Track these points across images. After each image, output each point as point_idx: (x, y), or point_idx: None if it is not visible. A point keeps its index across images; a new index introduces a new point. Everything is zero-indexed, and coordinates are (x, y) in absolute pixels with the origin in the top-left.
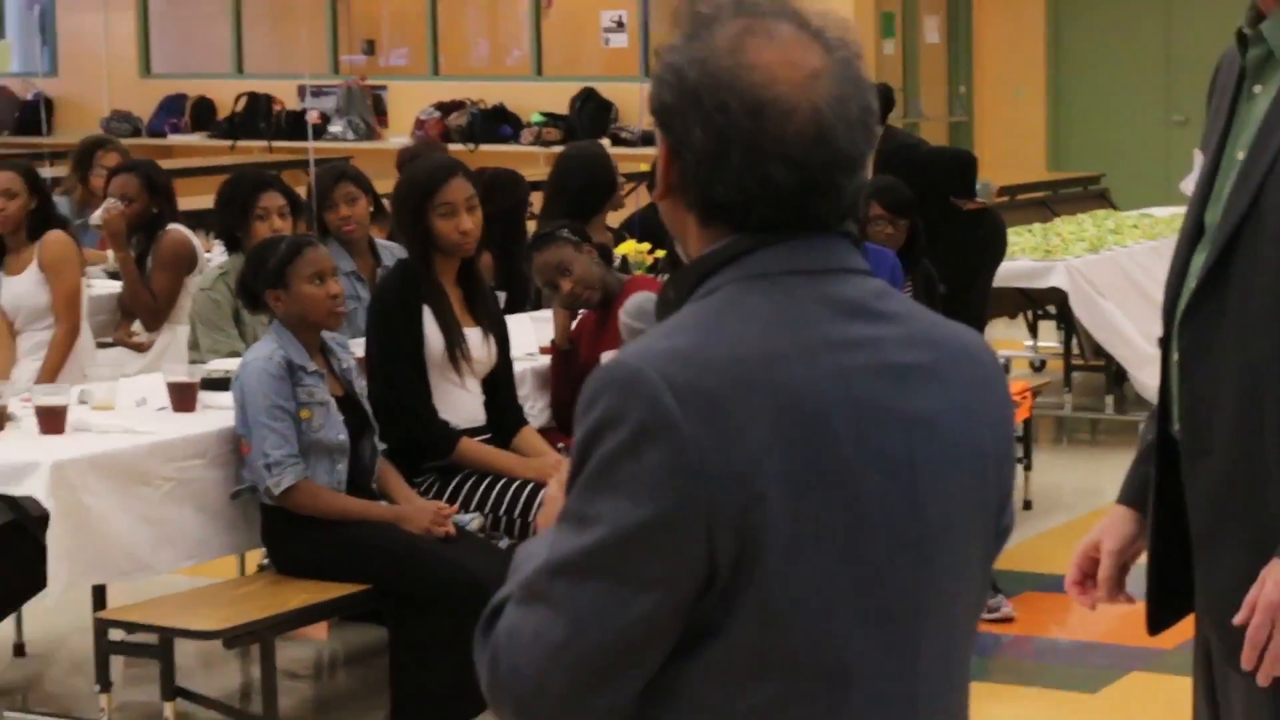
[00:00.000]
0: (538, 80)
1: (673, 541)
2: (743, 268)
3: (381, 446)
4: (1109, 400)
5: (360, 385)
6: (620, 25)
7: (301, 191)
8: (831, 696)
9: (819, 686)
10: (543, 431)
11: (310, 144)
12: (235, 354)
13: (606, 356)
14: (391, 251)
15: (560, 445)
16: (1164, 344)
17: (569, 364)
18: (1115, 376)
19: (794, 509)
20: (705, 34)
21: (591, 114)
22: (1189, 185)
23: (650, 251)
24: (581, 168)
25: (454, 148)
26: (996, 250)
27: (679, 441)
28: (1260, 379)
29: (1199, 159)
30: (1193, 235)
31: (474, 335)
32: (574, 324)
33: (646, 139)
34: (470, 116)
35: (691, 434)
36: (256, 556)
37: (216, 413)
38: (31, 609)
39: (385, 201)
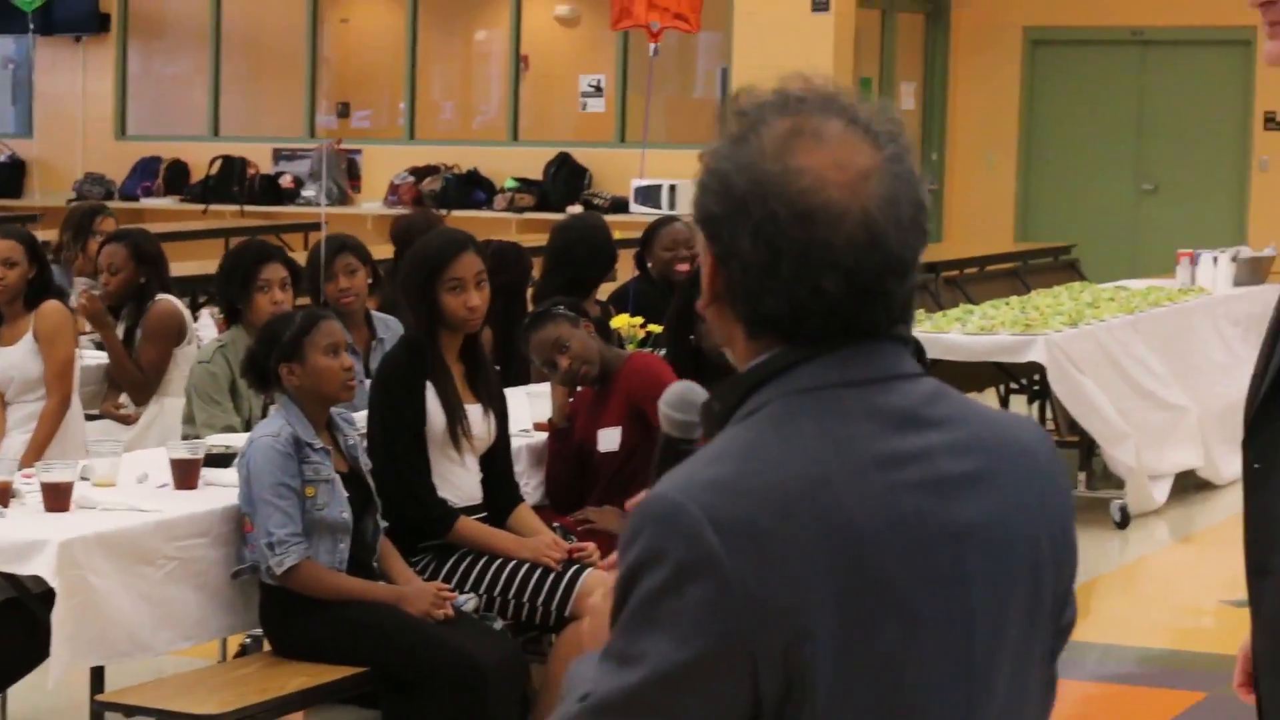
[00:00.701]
0: (512, 145)
1: (716, 680)
2: (790, 382)
3: (383, 524)
4: (1081, 477)
5: (365, 461)
6: (598, 89)
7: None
8: None
9: None
10: (537, 509)
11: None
12: (230, 428)
13: (604, 433)
14: (386, 324)
15: (555, 525)
16: (1243, 449)
17: (565, 441)
18: (1087, 452)
19: (842, 641)
20: (752, 136)
21: (566, 179)
22: None
23: (643, 325)
24: (583, 240)
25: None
26: None
27: (721, 578)
28: None
29: None
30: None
31: (475, 412)
32: (570, 400)
33: (617, 205)
34: (444, 181)
35: (734, 569)
36: (239, 637)
37: (218, 490)
38: (19, 689)
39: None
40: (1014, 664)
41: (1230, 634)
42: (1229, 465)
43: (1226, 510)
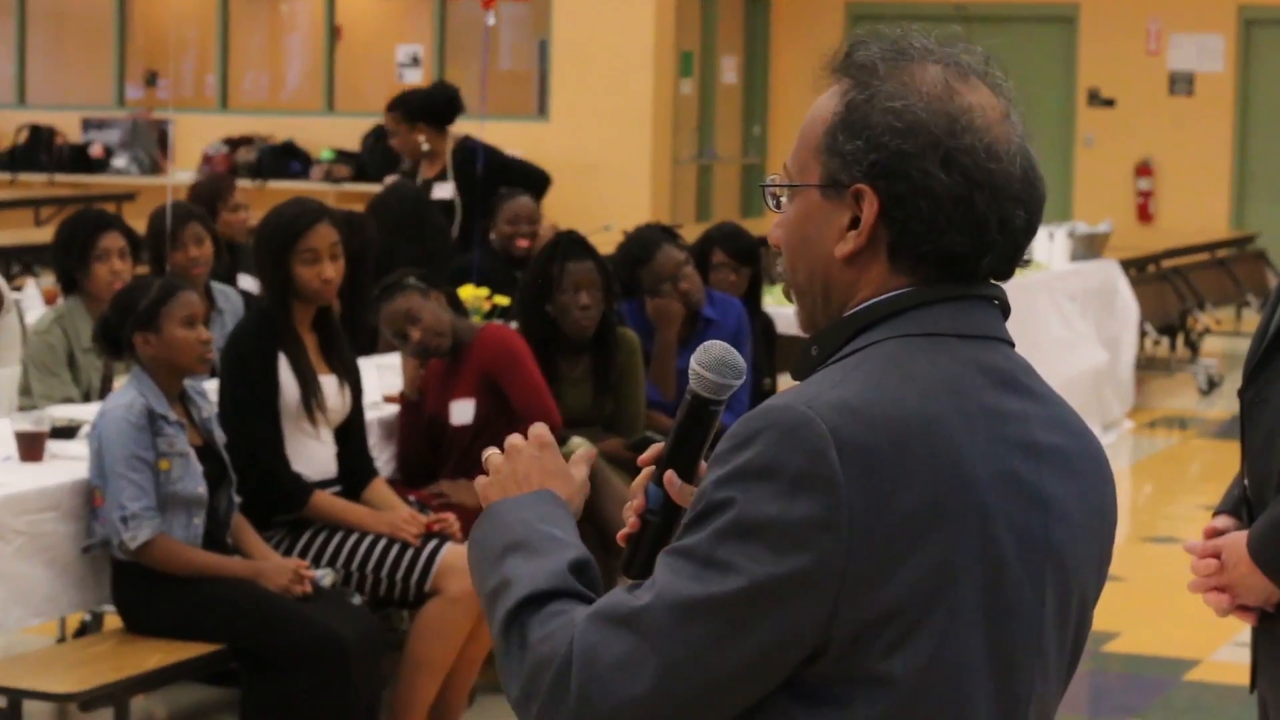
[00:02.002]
0: (327, 115)
1: (802, 601)
2: (903, 326)
3: (238, 499)
4: None
5: (220, 435)
6: (416, 61)
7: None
8: None
9: None
10: (390, 483)
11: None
12: (69, 400)
13: (457, 406)
14: (226, 295)
15: (411, 498)
16: (1240, 396)
17: (417, 414)
18: None
19: (937, 581)
20: (908, 79)
21: (384, 151)
22: None
23: (489, 297)
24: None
25: (241, 183)
26: None
27: (835, 498)
28: None
29: None
30: None
31: (329, 383)
32: (422, 372)
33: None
34: (259, 152)
35: (848, 492)
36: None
37: (66, 463)
38: None
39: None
40: (1058, 651)
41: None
42: None
43: None
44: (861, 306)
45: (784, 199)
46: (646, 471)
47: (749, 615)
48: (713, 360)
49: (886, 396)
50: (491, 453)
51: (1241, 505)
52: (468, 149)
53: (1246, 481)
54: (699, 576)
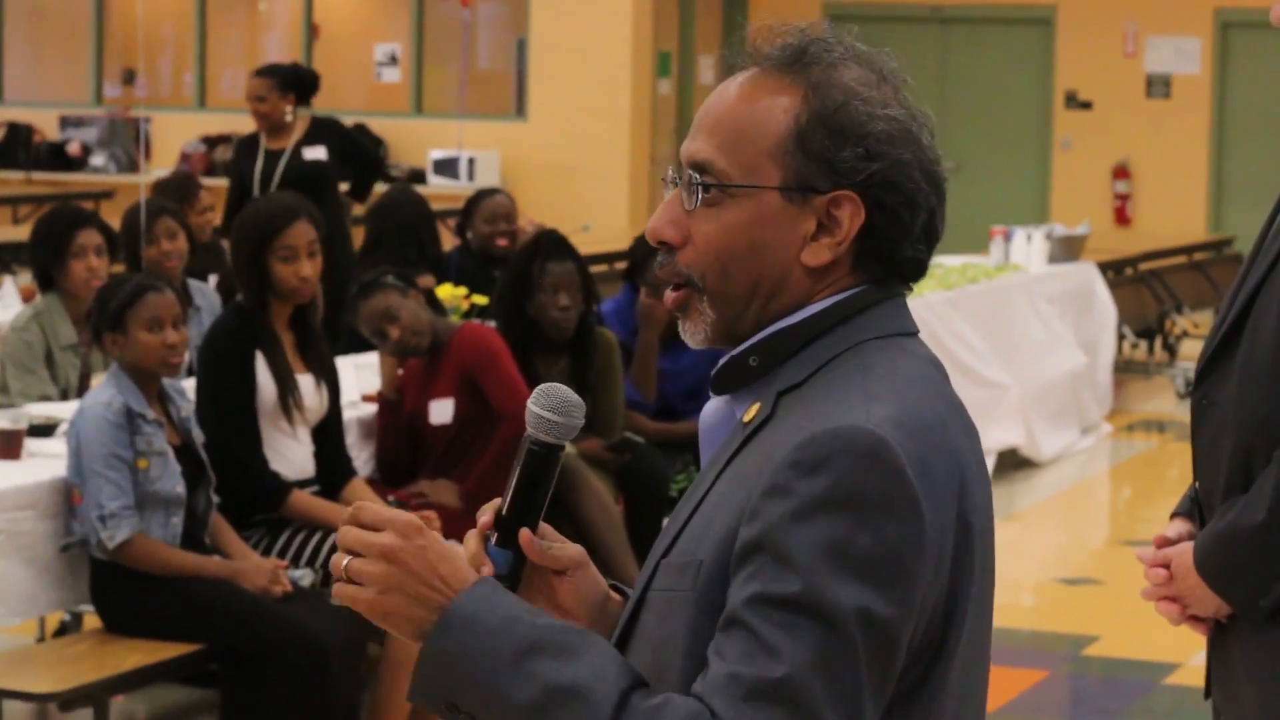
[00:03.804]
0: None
1: (905, 625)
2: (860, 329)
3: (216, 499)
4: None
5: (198, 434)
6: (394, 60)
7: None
8: None
9: None
10: (368, 483)
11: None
12: (46, 397)
13: (436, 405)
14: (203, 292)
15: (390, 498)
16: (1193, 389)
17: (396, 413)
18: None
19: (963, 583)
20: (864, 78)
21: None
22: None
23: (467, 296)
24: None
25: (218, 182)
26: None
27: (919, 517)
28: (1253, 441)
29: None
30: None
31: (306, 382)
32: (400, 371)
33: (415, 177)
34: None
35: (926, 508)
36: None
37: (43, 461)
38: None
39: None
40: None
41: (1064, 612)
42: (1050, 443)
43: (1050, 488)
44: (811, 313)
45: (702, 194)
46: (478, 534)
47: (875, 657)
48: (557, 403)
49: (911, 405)
50: (355, 558)
51: (1195, 508)
52: (326, 123)
53: (1197, 485)
54: (815, 631)
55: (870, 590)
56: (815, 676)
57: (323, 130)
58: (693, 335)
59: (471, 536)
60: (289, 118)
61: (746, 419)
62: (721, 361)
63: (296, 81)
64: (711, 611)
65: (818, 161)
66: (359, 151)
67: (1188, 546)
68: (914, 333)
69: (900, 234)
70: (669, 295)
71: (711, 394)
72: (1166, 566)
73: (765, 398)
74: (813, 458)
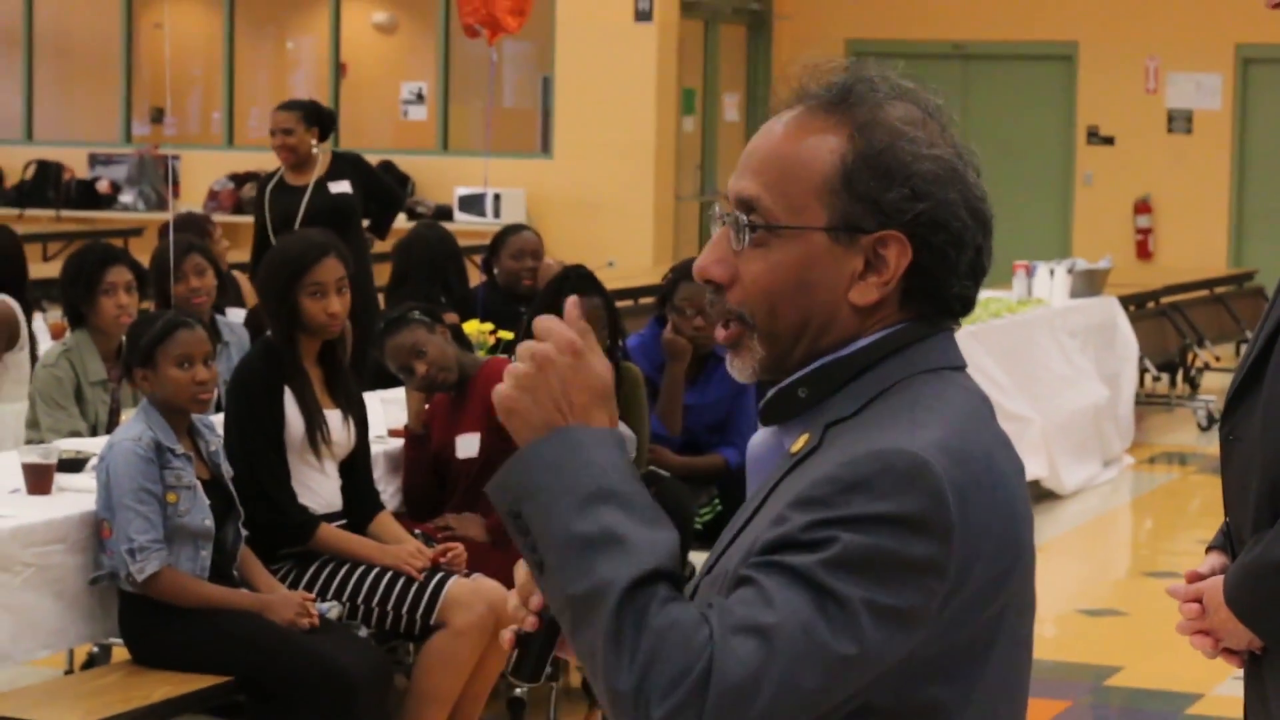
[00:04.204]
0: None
1: (907, 635)
2: (911, 361)
3: (245, 532)
4: None
5: (227, 469)
6: (420, 97)
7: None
8: None
9: None
10: (395, 517)
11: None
12: (76, 433)
13: (462, 440)
14: (231, 328)
15: (416, 531)
16: (1220, 424)
17: (422, 448)
18: None
19: (998, 620)
20: (909, 117)
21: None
22: None
23: (493, 332)
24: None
25: (244, 219)
26: None
27: (947, 540)
28: (1278, 476)
29: None
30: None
31: (334, 417)
32: (426, 406)
33: (441, 214)
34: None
35: (958, 532)
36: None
37: (73, 495)
38: None
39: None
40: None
41: (1087, 642)
42: (1072, 475)
43: (1072, 520)
44: (860, 347)
45: (749, 234)
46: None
47: (880, 644)
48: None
49: (958, 434)
50: (521, 355)
51: (1228, 541)
52: (348, 158)
53: (1227, 519)
54: (820, 609)
55: (880, 594)
56: (800, 638)
57: (345, 165)
58: (741, 370)
59: (521, 567)
60: (314, 151)
61: (794, 449)
62: (770, 393)
63: (318, 116)
64: None
65: (864, 202)
66: (380, 187)
67: (1219, 580)
68: (962, 366)
69: (947, 272)
70: (720, 332)
71: (759, 425)
72: (1199, 600)
73: (814, 429)
74: (853, 475)
